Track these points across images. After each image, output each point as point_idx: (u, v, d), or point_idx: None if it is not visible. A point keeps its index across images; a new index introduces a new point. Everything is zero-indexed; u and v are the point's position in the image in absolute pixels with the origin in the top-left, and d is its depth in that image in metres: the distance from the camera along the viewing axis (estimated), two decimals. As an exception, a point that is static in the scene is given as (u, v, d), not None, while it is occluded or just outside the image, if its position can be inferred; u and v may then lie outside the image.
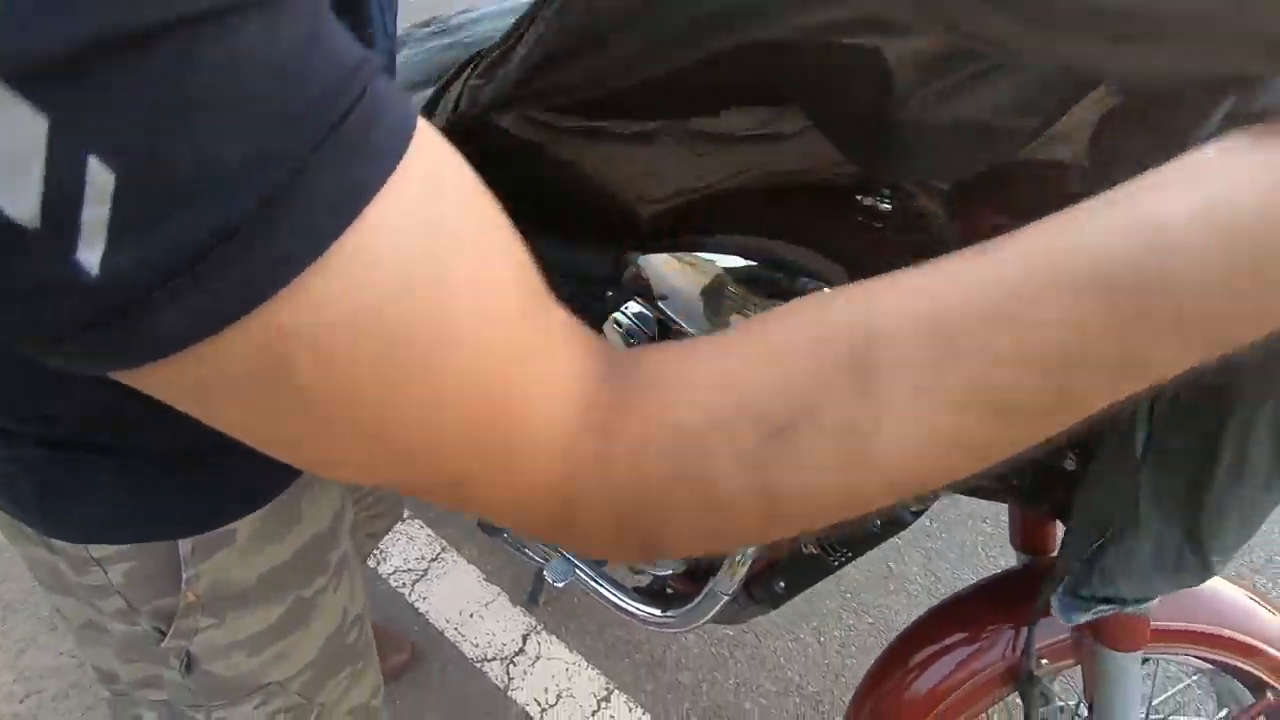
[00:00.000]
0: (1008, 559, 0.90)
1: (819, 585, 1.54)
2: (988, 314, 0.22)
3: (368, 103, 0.18)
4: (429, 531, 1.49)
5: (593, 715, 1.22)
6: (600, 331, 0.88)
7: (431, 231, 0.20)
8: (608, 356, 0.26)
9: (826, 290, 0.27)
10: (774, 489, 0.24)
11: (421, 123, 0.21)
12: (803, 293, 0.83)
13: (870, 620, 1.49)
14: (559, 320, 0.25)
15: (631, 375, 0.26)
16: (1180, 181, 0.21)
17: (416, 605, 1.35)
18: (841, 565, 0.83)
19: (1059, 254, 0.22)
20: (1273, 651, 0.76)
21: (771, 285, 0.86)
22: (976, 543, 1.74)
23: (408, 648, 1.22)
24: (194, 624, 0.45)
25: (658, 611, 0.98)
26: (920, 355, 0.23)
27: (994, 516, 1.72)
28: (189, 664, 0.46)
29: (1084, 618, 0.59)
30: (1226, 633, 0.76)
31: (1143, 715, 0.86)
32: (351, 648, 0.54)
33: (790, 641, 1.42)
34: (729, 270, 0.90)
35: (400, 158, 0.19)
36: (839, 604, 1.52)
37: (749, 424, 0.24)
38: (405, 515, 1.51)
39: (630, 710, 1.24)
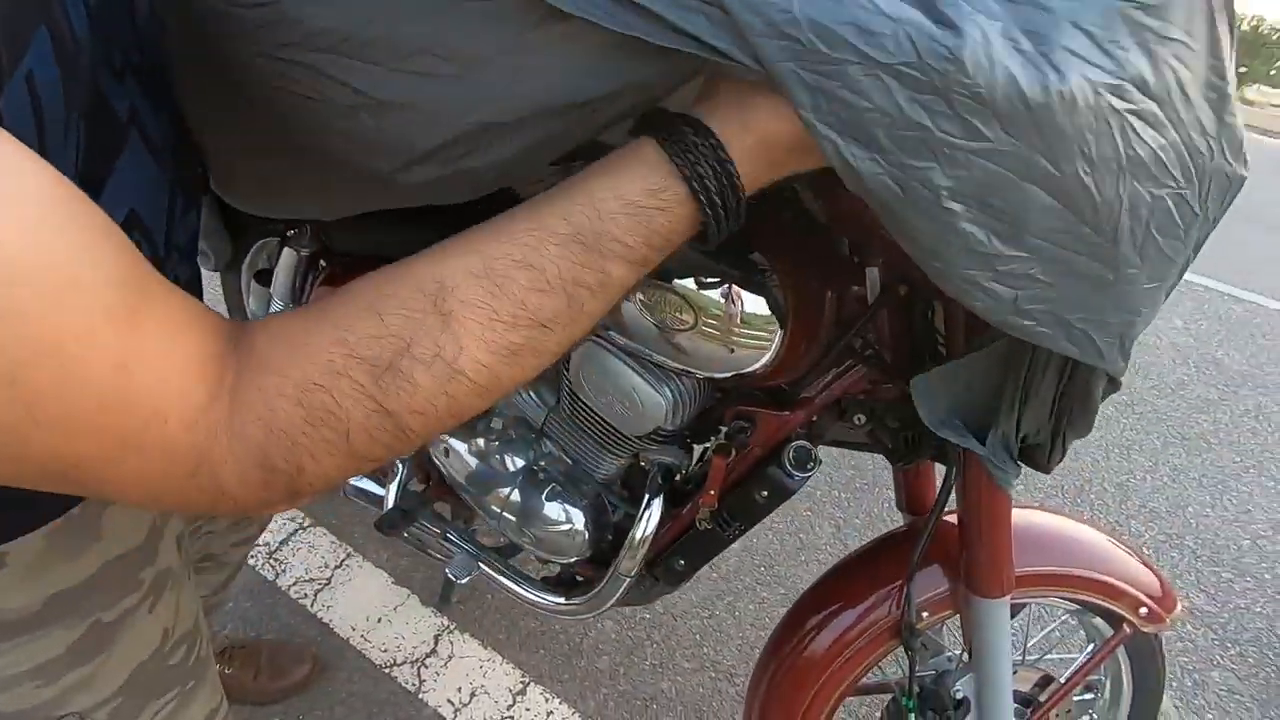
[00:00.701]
0: (894, 520, 0.94)
1: (733, 562, 1.58)
2: (517, 259, 0.33)
3: None
4: (332, 539, 1.43)
5: (508, 709, 1.20)
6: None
7: (9, 258, 0.23)
8: (226, 332, 0.31)
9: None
10: (397, 412, 0.31)
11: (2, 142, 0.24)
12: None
13: (783, 591, 1.53)
14: (170, 311, 0.29)
15: (254, 345, 0.31)
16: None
17: (320, 615, 1.29)
18: (736, 537, 0.84)
19: (550, 220, 0.34)
20: (1127, 588, 0.83)
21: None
22: (882, 510, 1.81)
23: (309, 660, 1.17)
24: None
25: (563, 599, 0.98)
26: (479, 295, 0.32)
27: (896, 483, 1.81)
28: None
29: (953, 436, 0.60)
30: (1085, 574, 0.82)
31: (1019, 656, 0.92)
32: (176, 669, 0.51)
33: (706, 619, 1.44)
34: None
35: None
36: (753, 578, 1.56)
37: (362, 367, 0.31)
38: (306, 523, 1.45)
39: (547, 700, 1.23)
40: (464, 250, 0.34)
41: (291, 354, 0.31)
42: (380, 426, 0.31)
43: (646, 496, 0.84)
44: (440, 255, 0.34)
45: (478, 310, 0.32)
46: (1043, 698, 0.88)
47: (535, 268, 0.33)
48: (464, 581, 1.00)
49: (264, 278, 1.12)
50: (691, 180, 0.34)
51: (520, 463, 0.92)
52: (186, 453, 0.28)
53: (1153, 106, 0.36)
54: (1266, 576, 1.78)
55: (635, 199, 0.34)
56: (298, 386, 0.30)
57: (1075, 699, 0.93)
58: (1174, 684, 1.47)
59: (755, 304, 0.65)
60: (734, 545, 1.60)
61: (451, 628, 1.31)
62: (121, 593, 0.46)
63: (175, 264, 0.45)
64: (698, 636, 1.40)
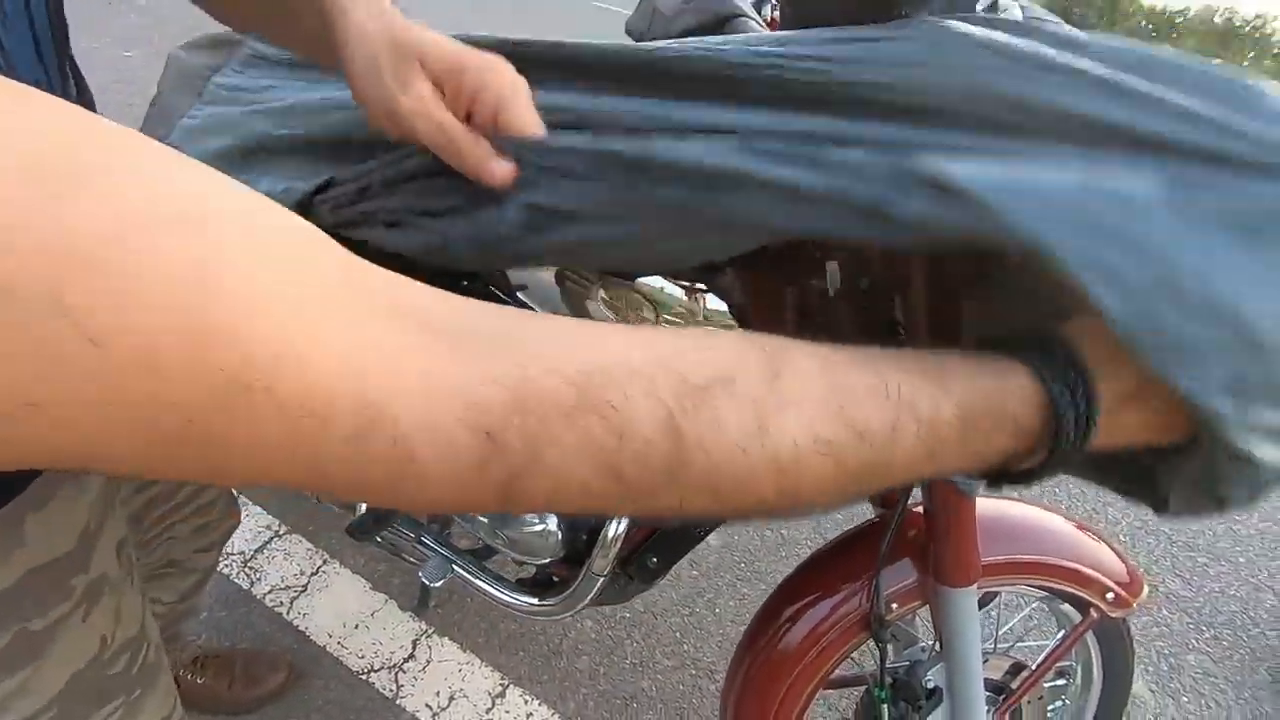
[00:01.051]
0: (864, 513, 0.94)
1: (714, 559, 1.58)
2: (859, 363, 0.31)
3: None
4: (308, 545, 1.42)
5: (487, 712, 1.20)
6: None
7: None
8: (466, 302, 0.27)
9: None
10: (687, 435, 0.26)
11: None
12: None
13: (763, 588, 1.53)
14: (306, 239, 0.25)
15: (499, 323, 0.27)
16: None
17: (295, 623, 1.28)
18: (706, 534, 0.85)
19: (897, 355, 0.32)
20: (1093, 574, 0.84)
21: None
22: (863, 505, 1.81)
23: (284, 667, 1.16)
24: None
25: (538, 600, 0.97)
26: (814, 373, 0.30)
27: (875, 477, 1.81)
28: None
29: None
30: (1052, 560, 0.83)
31: (990, 645, 0.92)
32: (119, 678, 0.50)
33: (686, 616, 1.44)
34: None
35: None
36: (734, 575, 1.56)
37: (671, 377, 0.27)
38: (281, 530, 1.44)
39: (526, 702, 1.23)
40: (804, 343, 0.32)
41: (570, 342, 0.27)
42: (659, 442, 0.26)
43: (617, 495, 0.84)
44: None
45: (809, 384, 0.29)
46: (1014, 685, 0.89)
47: (876, 376, 0.30)
48: (438, 585, 0.99)
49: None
50: (1046, 377, 0.32)
51: (491, 464, 0.92)
52: (341, 408, 0.22)
53: None
54: (1240, 560, 1.81)
55: (988, 370, 0.33)
56: (579, 371, 0.25)
57: (1047, 685, 0.94)
58: (1149, 668, 1.49)
59: (715, 301, 0.66)
60: (714, 542, 1.61)
61: (429, 632, 1.31)
62: (49, 601, 0.45)
63: None
64: (678, 634, 1.40)
